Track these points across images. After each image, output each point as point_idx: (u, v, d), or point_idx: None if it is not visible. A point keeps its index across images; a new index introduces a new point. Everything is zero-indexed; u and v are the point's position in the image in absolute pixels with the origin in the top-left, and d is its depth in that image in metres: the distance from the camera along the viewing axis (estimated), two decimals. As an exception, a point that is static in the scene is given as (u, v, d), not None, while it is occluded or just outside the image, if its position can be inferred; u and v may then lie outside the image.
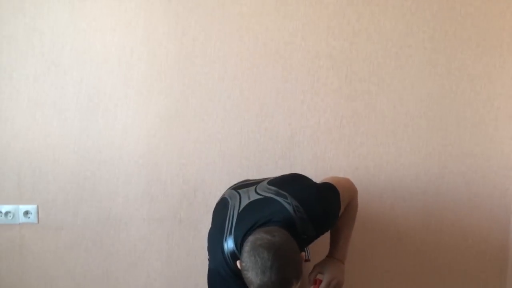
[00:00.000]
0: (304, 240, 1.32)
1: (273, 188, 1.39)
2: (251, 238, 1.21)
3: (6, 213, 2.00)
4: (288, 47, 1.90)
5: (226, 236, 1.32)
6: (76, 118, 1.97)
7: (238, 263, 1.24)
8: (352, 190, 1.56)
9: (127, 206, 2.00)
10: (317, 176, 1.90)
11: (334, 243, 1.52)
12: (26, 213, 2.00)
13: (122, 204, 2.00)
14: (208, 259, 1.52)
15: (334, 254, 1.51)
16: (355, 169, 1.93)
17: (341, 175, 1.92)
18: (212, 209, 1.80)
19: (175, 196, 1.98)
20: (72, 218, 2.01)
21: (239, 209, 1.36)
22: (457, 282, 1.96)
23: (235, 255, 1.29)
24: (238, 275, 1.26)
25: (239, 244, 1.27)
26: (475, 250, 1.94)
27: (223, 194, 1.56)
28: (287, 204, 1.31)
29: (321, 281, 1.48)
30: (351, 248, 1.94)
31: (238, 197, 1.42)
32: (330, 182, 1.49)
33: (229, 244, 1.30)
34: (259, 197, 1.38)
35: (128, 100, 1.95)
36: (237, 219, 1.34)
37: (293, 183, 1.43)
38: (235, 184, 1.62)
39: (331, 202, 1.42)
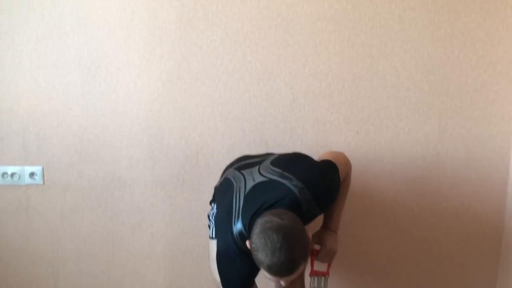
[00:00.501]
0: (308, 218, 1.38)
1: (277, 170, 1.43)
2: (260, 221, 1.25)
3: (12, 174, 2.04)
4: (291, 10, 1.88)
5: (234, 218, 1.37)
6: (78, 81, 1.98)
7: (247, 243, 1.29)
8: (348, 166, 1.61)
9: (131, 168, 2.03)
10: (318, 140, 1.95)
11: (328, 215, 1.57)
12: (32, 174, 2.04)
13: (125, 167, 2.03)
14: (209, 236, 1.61)
15: (329, 225, 1.56)
16: (356, 133, 1.94)
17: (342, 139, 1.94)
18: (214, 173, 1.84)
19: (178, 159, 2.01)
20: (77, 180, 2.05)
21: (245, 192, 1.40)
22: (454, 246, 2.00)
23: (243, 235, 1.34)
24: (246, 254, 1.32)
25: (247, 225, 1.32)
26: (473, 214, 1.97)
27: (226, 174, 1.59)
28: (293, 186, 1.36)
29: (317, 251, 1.54)
30: (351, 213, 2.00)
31: (242, 179, 1.46)
32: (329, 159, 1.53)
33: (237, 226, 1.35)
34: (264, 179, 1.42)
35: (130, 64, 1.95)
36: (244, 202, 1.38)
37: (296, 164, 1.47)
38: (236, 163, 1.64)
39: (333, 179, 1.47)
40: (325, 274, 1.56)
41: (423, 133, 1.92)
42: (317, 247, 1.57)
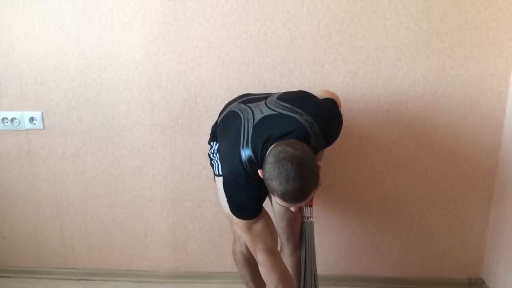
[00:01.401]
0: (314, 152, 1.40)
1: (286, 105, 1.46)
2: (274, 151, 1.29)
3: (12, 120, 2.05)
4: None
5: (243, 145, 1.39)
6: (72, 24, 1.95)
7: (260, 172, 1.33)
8: (340, 104, 1.66)
9: (130, 112, 2.04)
10: (316, 81, 1.94)
11: None
12: (32, 119, 2.05)
13: (124, 111, 2.04)
14: (215, 173, 1.63)
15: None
16: (354, 74, 1.93)
17: (340, 80, 1.94)
18: (212, 116, 1.84)
19: (176, 103, 2.01)
20: (77, 124, 2.06)
21: (253, 122, 1.43)
22: (449, 183, 2.04)
23: (253, 161, 1.37)
24: (254, 180, 1.36)
25: (258, 152, 1.36)
26: (468, 152, 1.99)
27: (230, 108, 1.60)
28: (303, 120, 1.39)
29: None
30: (348, 153, 2.04)
31: (250, 111, 1.48)
32: (330, 97, 1.60)
33: (246, 152, 1.38)
34: (273, 112, 1.45)
35: (124, 5, 1.92)
36: (253, 130, 1.40)
37: (304, 101, 1.50)
38: (238, 99, 1.65)
39: (337, 115, 1.53)
40: (311, 205, 1.61)
41: (422, 72, 1.91)
42: None
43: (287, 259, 1.69)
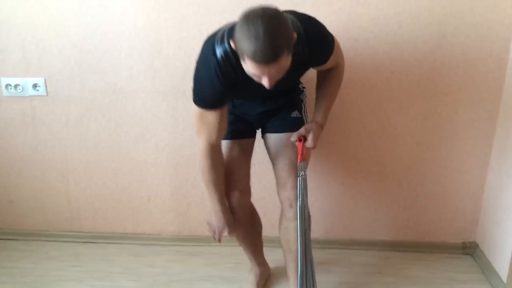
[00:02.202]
0: (296, 62, 1.34)
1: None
2: (243, 12, 1.22)
3: (16, 86, 2.07)
4: None
5: (217, 41, 1.36)
6: (73, -10, 1.95)
7: (231, 43, 1.28)
8: (341, 59, 1.64)
9: (132, 79, 2.06)
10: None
11: (318, 110, 1.64)
12: (35, 86, 2.07)
13: (126, 78, 2.06)
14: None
15: (317, 118, 1.63)
16: (355, 41, 1.94)
17: (341, 46, 1.94)
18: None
19: (178, 70, 2.03)
20: (79, 91, 2.09)
21: (232, 23, 1.37)
22: (446, 151, 2.08)
23: (227, 54, 1.34)
24: (223, 79, 1.36)
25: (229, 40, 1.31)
26: (466, 119, 2.02)
27: None
28: (290, 20, 1.32)
29: (305, 140, 1.60)
30: (347, 120, 2.06)
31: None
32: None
33: (220, 49, 1.35)
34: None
35: (125, -30, 1.91)
36: (230, 27, 1.37)
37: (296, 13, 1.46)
38: None
39: (329, 37, 1.50)
40: (304, 159, 1.61)
41: (422, 40, 1.91)
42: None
43: (290, 224, 1.68)
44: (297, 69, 1.43)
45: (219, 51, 1.35)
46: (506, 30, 1.87)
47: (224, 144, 1.68)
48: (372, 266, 2.12)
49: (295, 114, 1.71)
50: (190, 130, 2.12)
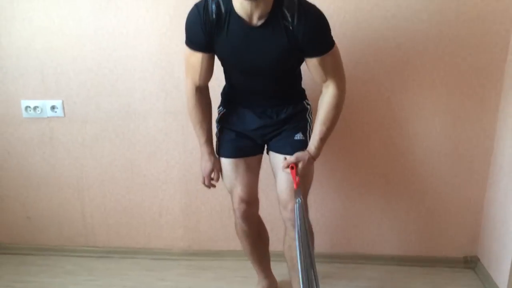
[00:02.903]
0: (280, 27, 1.45)
1: None
2: None
3: (35, 108, 2.18)
4: None
5: None
6: (90, 17, 2.06)
7: None
8: (343, 76, 1.61)
9: (144, 101, 2.16)
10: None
11: (313, 140, 1.64)
12: (53, 107, 2.18)
13: (139, 99, 2.16)
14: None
15: (311, 150, 1.64)
16: (356, 63, 2.03)
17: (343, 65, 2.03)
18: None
19: (188, 91, 2.13)
20: (95, 112, 2.19)
21: None
22: (446, 167, 2.15)
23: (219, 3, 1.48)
24: (211, 24, 1.49)
25: None
26: (465, 137, 2.09)
27: None
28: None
29: (296, 167, 1.62)
30: (351, 138, 2.13)
31: None
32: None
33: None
34: None
35: (138, -1, 2.02)
36: None
37: None
38: None
39: (329, 34, 1.53)
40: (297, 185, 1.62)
41: (421, 61, 2.00)
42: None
43: (294, 243, 1.68)
44: (283, 44, 1.48)
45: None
46: (500, 52, 1.95)
47: (229, 161, 1.75)
48: (375, 280, 2.19)
49: (299, 136, 1.71)
50: (199, 148, 2.20)
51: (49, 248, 2.44)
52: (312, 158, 1.65)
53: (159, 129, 2.21)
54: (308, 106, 1.76)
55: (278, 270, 2.09)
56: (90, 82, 2.15)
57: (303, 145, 1.68)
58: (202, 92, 1.69)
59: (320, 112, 1.62)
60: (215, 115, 1.82)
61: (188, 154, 2.24)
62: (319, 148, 1.64)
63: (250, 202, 1.76)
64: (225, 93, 1.82)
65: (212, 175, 1.78)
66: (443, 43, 1.96)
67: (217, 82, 1.77)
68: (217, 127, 1.82)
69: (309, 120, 1.75)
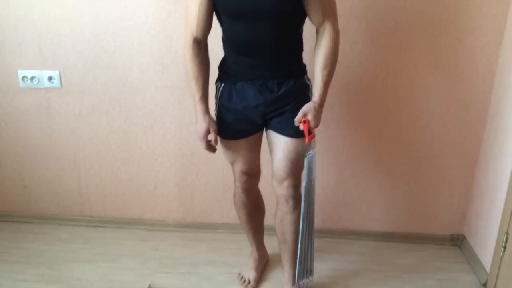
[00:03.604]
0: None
1: None
2: None
3: (32, 78, 2.19)
4: None
5: None
6: (88, -12, 2.05)
7: None
8: (336, 14, 1.60)
9: (142, 74, 2.17)
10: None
11: (316, 88, 1.60)
12: (50, 78, 2.19)
13: (136, 73, 2.17)
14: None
15: (316, 99, 1.61)
16: (354, 43, 2.04)
17: (341, 46, 2.03)
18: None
19: (185, 66, 2.13)
20: (92, 84, 2.20)
21: None
22: (437, 149, 2.19)
23: None
24: None
25: None
26: (457, 119, 2.12)
27: None
28: None
29: (308, 121, 1.60)
30: (344, 116, 2.16)
31: None
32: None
33: None
34: None
35: (137, -29, 2.01)
36: None
37: None
38: None
39: None
40: (312, 137, 1.64)
41: (418, 43, 2.01)
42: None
43: (286, 217, 1.77)
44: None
45: None
46: (496, 36, 1.97)
47: (231, 142, 1.74)
48: (364, 255, 2.26)
49: None
50: (195, 123, 2.22)
51: (45, 217, 2.49)
52: (320, 106, 1.61)
53: (156, 103, 2.22)
54: (309, 83, 1.71)
55: (270, 243, 2.14)
56: (87, 54, 2.15)
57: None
58: (200, 45, 1.62)
59: (319, 58, 1.58)
60: (212, 90, 1.75)
61: (184, 128, 2.26)
62: (324, 93, 1.60)
63: (252, 174, 1.82)
64: (223, 63, 1.73)
65: (210, 137, 1.65)
66: (441, 24, 1.98)
67: (216, 58, 1.78)
68: (215, 104, 1.75)
69: (310, 99, 1.69)
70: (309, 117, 1.58)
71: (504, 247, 1.87)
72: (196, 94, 1.64)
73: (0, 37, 2.15)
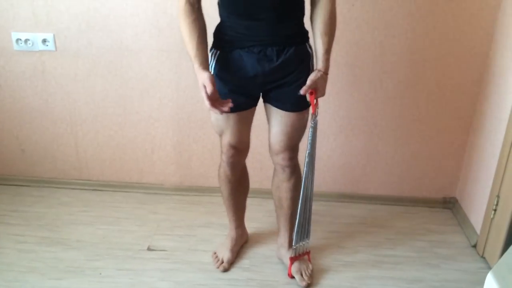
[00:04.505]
0: None
1: None
2: None
3: (26, 41, 2.16)
4: None
5: None
6: None
7: None
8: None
9: (137, 37, 2.15)
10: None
11: (318, 56, 1.56)
12: (44, 41, 2.16)
13: (131, 36, 2.15)
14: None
15: (320, 67, 1.57)
16: (351, 5, 2.02)
17: (338, 11, 2.01)
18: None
19: (181, 29, 2.11)
20: (87, 47, 2.18)
21: None
22: (433, 111, 2.20)
23: None
24: None
25: None
26: (453, 83, 2.14)
27: None
28: None
29: (316, 92, 1.58)
30: (341, 81, 2.16)
31: None
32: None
33: None
34: None
35: None
36: None
37: None
38: None
39: None
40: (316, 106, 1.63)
41: (416, 6, 2.00)
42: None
43: (282, 184, 1.81)
44: None
45: None
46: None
47: (223, 116, 1.62)
48: (358, 218, 2.31)
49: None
50: (191, 87, 2.23)
51: (43, 180, 2.51)
52: (325, 74, 1.57)
53: (152, 67, 2.21)
54: (310, 51, 1.63)
55: (266, 207, 2.18)
56: (81, 16, 2.12)
57: (304, 100, 1.58)
58: (193, 6, 1.53)
59: (317, 24, 1.54)
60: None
61: (181, 92, 2.26)
62: (327, 59, 1.56)
63: (240, 149, 1.75)
64: (219, 30, 1.62)
65: (208, 90, 1.47)
66: (439, -13, 1.96)
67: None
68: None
69: (312, 70, 1.63)
70: (317, 87, 1.55)
71: (495, 210, 1.92)
72: (191, 51, 1.52)
73: (-9, -2, 2.11)
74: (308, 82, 1.53)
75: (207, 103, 1.46)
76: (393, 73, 2.14)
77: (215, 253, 2.01)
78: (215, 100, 1.48)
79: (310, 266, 1.92)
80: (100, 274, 1.89)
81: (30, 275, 1.87)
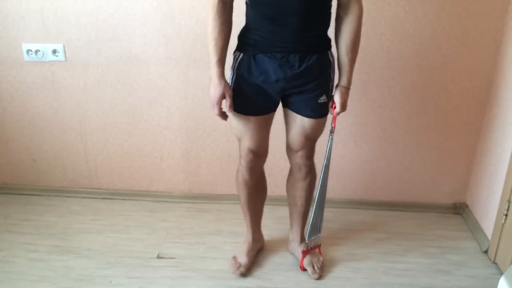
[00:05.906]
0: None
1: None
2: None
3: (36, 51, 2.19)
4: None
5: None
6: (89, -41, 2.03)
7: None
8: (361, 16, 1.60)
9: (145, 46, 2.17)
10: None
11: (342, 72, 1.64)
12: (54, 51, 2.19)
13: (140, 45, 2.17)
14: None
15: (343, 83, 1.65)
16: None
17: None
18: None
19: (189, 38, 2.13)
20: (96, 57, 2.20)
21: None
22: (441, 117, 2.20)
23: None
24: None
25: None
26: (461, 88, 2.13)
27: None
28: None
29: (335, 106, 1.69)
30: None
31: None
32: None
33: None
34: None
35: None
36: None
37: None
38: None
39: None
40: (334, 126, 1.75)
41: (422, 11, 2.00)
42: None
43: (297, 183, 1.87)
44: None
45: None
46: (503, 3, 1.95)
47: (243, 117, 1.67)
48: (367, 224, 2.30)
49: (323, 99, 1.66)
50: (199, 95, 2.25)
51: (54, 189, 2.53)
52: (348, 89, 1.66)
53: (160, 75, 2.23)
54: (332, 59, 1.65)
55: (275, 213, 2.18)
56: (91, 27, 2.14)
57: (325, 107, 1.67)
58: (225, 5, 1.54)
59: (343, 41, 1.59)
60: (229, 60, 1.66)
61: (189, 100, 2.27)
62: (351, 76, 1.65)
63: (259, 154, 1.77)
64: (244, 33, 1.62)
65: (224, 103, 1.61)
66: (445, -8, 1.96)
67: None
68: (232, 75, 1.65)
69: (332, 78, 1.68)
70: (340, 103, 1.66)
71: (506, 215, 1.90)
72: (214, 57, 1.56)
73: (2, 10, 2.14)
74: (338, 107, 1.66)
75: (217, 111, 1.61)
76: (401, 78, 2.13)
77: (234, 257, 2.01)
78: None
79: (321, 258, 1.98)
80: (111, 282, 1.90)
81: (41, 284, 1.88)
